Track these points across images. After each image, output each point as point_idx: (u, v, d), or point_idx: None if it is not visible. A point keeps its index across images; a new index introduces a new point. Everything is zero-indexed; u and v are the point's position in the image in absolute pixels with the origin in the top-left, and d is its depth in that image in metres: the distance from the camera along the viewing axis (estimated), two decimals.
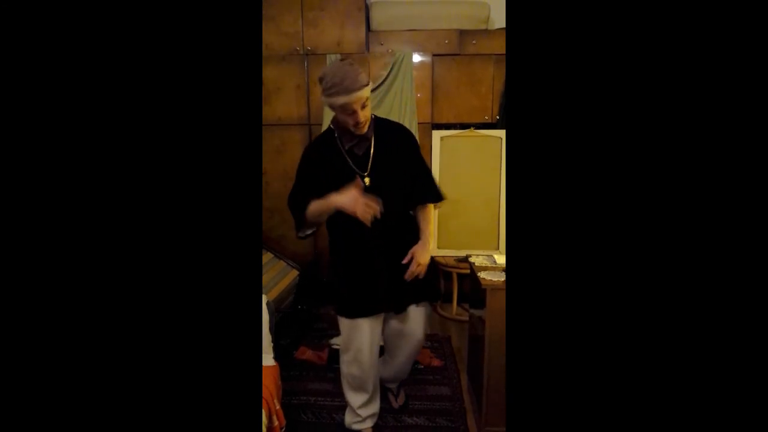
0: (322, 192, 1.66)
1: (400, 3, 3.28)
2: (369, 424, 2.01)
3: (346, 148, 1.71)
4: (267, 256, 3.06)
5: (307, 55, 3.22)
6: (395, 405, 2.22)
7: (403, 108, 3.14)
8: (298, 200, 1.75)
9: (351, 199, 1.59)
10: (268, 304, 2.07)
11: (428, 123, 3.24)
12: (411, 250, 1.74)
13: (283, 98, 3.26)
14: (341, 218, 1.74)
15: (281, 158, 3.21)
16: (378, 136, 1.73)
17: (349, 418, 2.02)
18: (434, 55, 3.18)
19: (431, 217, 1.85)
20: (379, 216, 1.60)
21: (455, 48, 3.19)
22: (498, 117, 3.25)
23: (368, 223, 1.59)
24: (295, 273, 3.07)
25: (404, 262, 1.72)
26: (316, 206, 1.69)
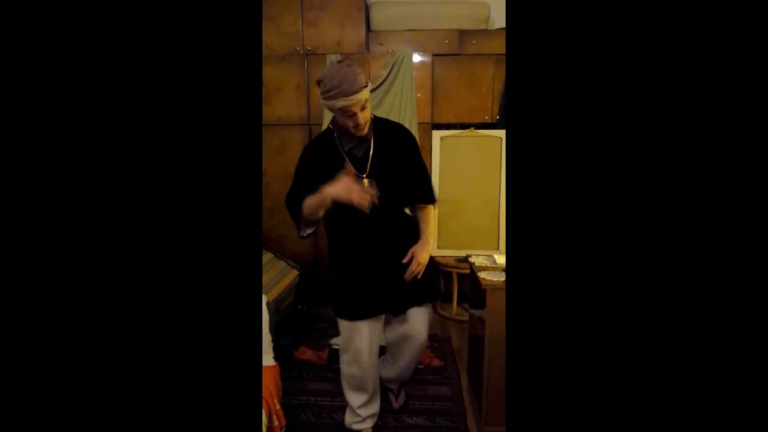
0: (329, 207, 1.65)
1: (400, 3, 3.28)
2: (369, 424, 2.01)
3: (346, 149, 1.70)
4: (267, 256, 3.06)
5: (307, 55, 3.22)
6: (396, 405, 2.21)
7: (403, 108, 3.14)
8: (296, 200, 1.73)
9: (344, 188, 1.56)
10: (268, 304, 2.07)
11: (428, 123, 3.24)
12: (411, 250, 1.75)
13: (283, 98, 3.26)
14: (339, 218, 1.73)
15: (281, 158, 3.21)
16: (378, 137, 1.73)
17: (349, 418, 2.02)
18: (434, 55, 3.18)
19: (431, 217, 1.85)
20: (376, 201, 1.57)
21: (455, 48, 3.19)
22: (498, 117, 3.25)
23: (366, 210, 1.56)
24: (295, 273, 3.07)
25: (404, 261, 1.72)
26: (310, 201, 1.67)
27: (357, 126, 1.62)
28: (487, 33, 3.22)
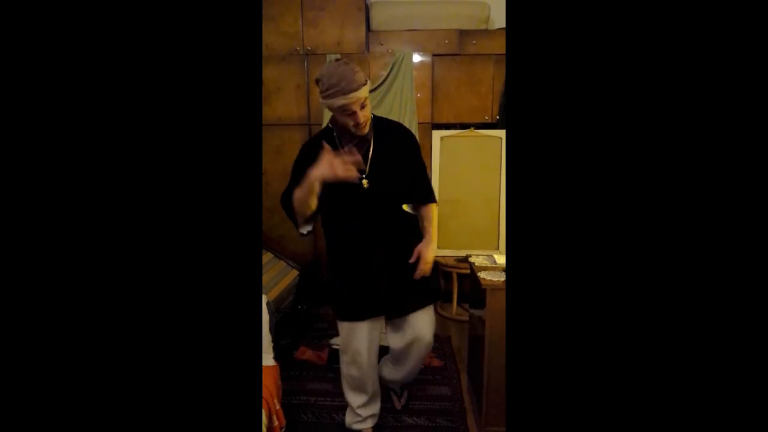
0: (320, 196, 1.61)
1: (400, 3, 3.28)
2: (369, 424, 2.00)
3: (345, 148, 1.68)
4: (267, 256, 3.06)
5: (307, 55, 3.22)
6: (398, 405, 2.21)
7: (403, 108, 3.14)
8: (290, 197, 1.68)
9: (326, 166, 1.49)
10: (268, 304, 2.07)
11: (428, 123, 3.24)
12: (416, 250, 1.74)
13: (283, 98, 3.26)
14: (338, 218, 1.73)
15: (281, 158, 3.21)
16: (377, 136, 1.72)
17: (349, 418, 2.01)
18: (434, 55, 3.18)
19: (433, 215, 1.85)
20: (363, 167, 1.53)
21: (455, 48, 3.19)
22: (498, 117, 3.25)
23: (355, 180, 1.52)
24: (295, 273, 3.07)
25: (411, 261, 1.72)
26: (298, 191, 1.61)
27: (357, 125, 1.61)
28: (487, 33, 3.22)
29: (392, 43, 3.24)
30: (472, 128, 3.25)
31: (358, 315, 1.78)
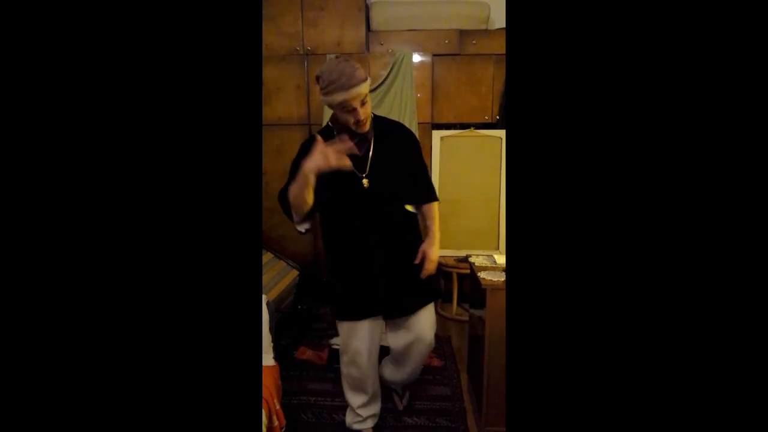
0: (317, 192, 1.60)
1: (400, 3, 3.28)
2: (370, 424, 2.00)
3: (337, 138, 1.64)
4: (267, 256, 3.07)
5: (307, 55, 3.22)
6: (400, 406, 2.20)
7: (403, 108, 3.14)
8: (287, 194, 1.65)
9: (319, 156, 1.46)
10: (268, 304, 2.07)
11: (428, 123, 3.24)
12: (421, 249, 1.74)
13: (283, 98, 3.26)
14: (337, 217, 1.73)
15: (281, 158, 3.21)
16: (378, 136, 1.71)
17: (349, 418, 2.01)
18: (434, 55, 3.18)
19: (435, 214, 1.85)
20: (356, 151, 1.52)
21: (455, 48, 3.19)
22: (498, 117, 3.25)
23: (349, 168, 1.50)
24: (295, 273, 3.07)
25: (416, 262, 1.73)
26: (294, 186, 1.57)
27: (358, 122, 1.59)
28: (487, 33, 3.22)
29: (392, 43, 3.24)
30: (472, 128, 3.25)
31: (357, 315, 1.78)
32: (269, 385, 1.76)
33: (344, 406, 2.06)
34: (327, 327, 3.07)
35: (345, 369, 1.91)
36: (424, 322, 1.83)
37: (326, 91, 1.54)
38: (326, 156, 1.45)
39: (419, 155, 1.84)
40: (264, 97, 3.21)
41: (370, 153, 1.69)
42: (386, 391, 2.14)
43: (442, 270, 3.16)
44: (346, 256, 1.75)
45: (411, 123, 3.12)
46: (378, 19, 3.25)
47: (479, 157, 3.25)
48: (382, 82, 3.14)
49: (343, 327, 1.83)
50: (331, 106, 1.60)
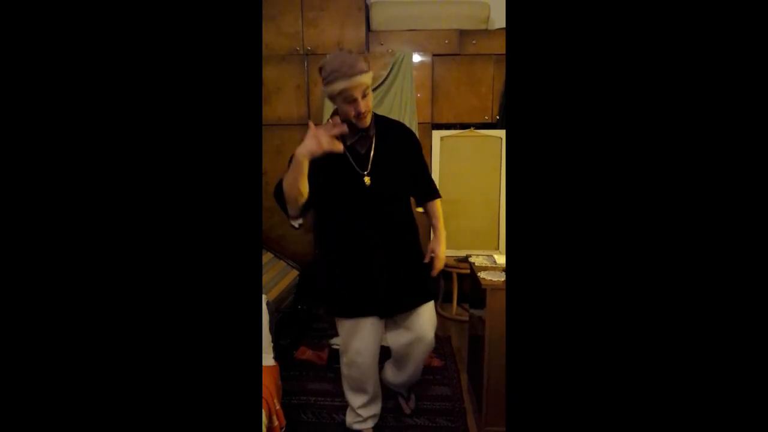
0: (318, 189, 1.59)
1: (400, 3, 3.28)
2: (370, 424, 2.00)
3: (348, 144, 1.64)
4: (267, 256, 3.07)
5: (307, 55, 3.22)
6: (407, 410, 2.18)
7: (403, 108, 3.14)
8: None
9: (312, 141, 1.44)
10: (268, 304, 2.07)
11: (428, 123, 3.24)
12: (430, 247, 1.79)
13: (283, 98, 3.26)
14: (338, 215, 1.72)
15: (281, 158, 3.20)
16: (379, 134, 1.71)
17: (350, 418, 2.01)
18: (434, 55, 3.18)
19: (439, 211, 1.88)
20: (346, 131, 1.51)
21: (455, 48, 3.19)
22: (498, 117, 3.25)
23: (341, 151, 1.49)
24: (295, 273, 3.07)
25: (426, 260, 1.79)
26: (288, 175, 1.54)
27: (359, 114, 1.57)
28: (487, 33, 3.22)
29: (392, 43, 3.24)
30: (472, 128, 3.25)
31: (356, 312, 1.77)
32: (269, 385, 1.76)
33: (344, 406, 2.06)
34: (327, 327, 3.07)
35: (345, 369, 1.91)
36: (424, 321, 1.82)
37: (328, 80, 1.54)
38: (318, 140, 1.44)
39: (420, 154, 1.85)
40: (264, 97, 3.21)
41: (372, 151, 1.69)
42: (389, 392, 2.14)
43: (443, 270, 3.16)
44: (346, 254, 1.74)
45: (411, 123, 3.11)
46: (378, 19, 3.25)
47: (479, 157, 3.25)
48: (382, 82, 3.14)
49: (344, 327, 1.82)
50: (332, 98, 1.59)
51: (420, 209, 1.92)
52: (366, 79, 1.54)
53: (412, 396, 2.23)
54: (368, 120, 1.63)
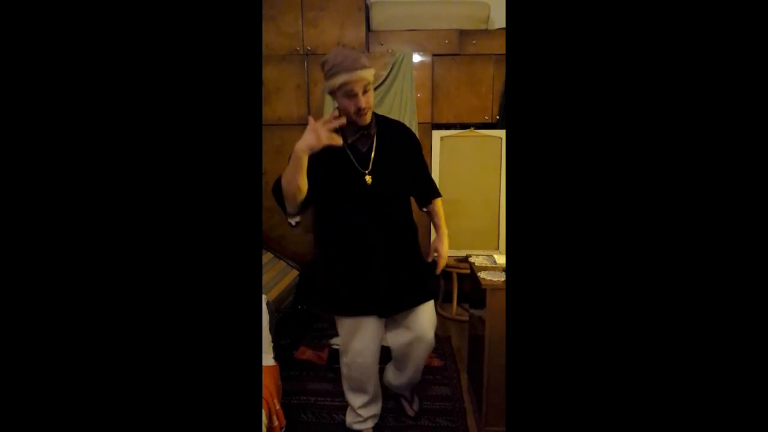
0: (318, 186, 1.58)
1: (400, 3, 3.28)
2: (370, 424, 2.00)
3: (349, 142, 1.65)
4: (267, 256, 3.07)
5: (307, 55, 3.22)
6: (411, 412, 2.16)
7: (403, 108, 3.14)
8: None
9: (311, 135, 1.44)
10: (268, 304, 2.07)
11: (428, 123, 3.24)
12: (432, 246, 1.83)
13: (283, 98, 3.26)
14: (338, 214, 1.72)
15: (281, 158, 3.20)
16: (380, 133, 1.71)
17: (350, 418, 2.01)
18: (434, 55, 3.18)
19: (441, 210, 1.90)
20: (343, 122, 1.51)
21: (455, 48, 3.19)
22: (498, 117, 3.25)
23: (340, 144, 1.48)
24: (295, 273, 3.07)
25: (429, 260, 1.82)
26: (287, 170, 1.53)
27: (359, 110, 1.57)
28: (487, 33, 3.22)
29: (392, 43, 3.24)
30: (472, 128, 3.25)
31: (356, 311, 1.77)
32: (269, 385, 1.76)
33: (344, 406, 2.06)
34: (327, 327, 3.07)
35: (345, 369, 1.90)
36: (424, 320, 1.82)
37: (330, 73, 1.54)
38: (317, 134, 1.44)
39: (420, 154, 1.85)
40: (264, 97, 3.21)
41: (373, 150, 1.69)
42: (389, 393, 2.14)
43: (443, 269, 3.16)
44: (346, 252, 1.74)
45: (411, 123, 3.11)
46: (378, 19, 3.25)
47: (479, 157, 3.25)
48: (382, 82, 3.14)
49: (344, 327, 1.82)
50: (332, 93, 1.59)
51: (424, 210, 1.94)
52: (367, 74, 1.54)
53: (416, 398, 2.21)
54: (368, 117, 1.63)
